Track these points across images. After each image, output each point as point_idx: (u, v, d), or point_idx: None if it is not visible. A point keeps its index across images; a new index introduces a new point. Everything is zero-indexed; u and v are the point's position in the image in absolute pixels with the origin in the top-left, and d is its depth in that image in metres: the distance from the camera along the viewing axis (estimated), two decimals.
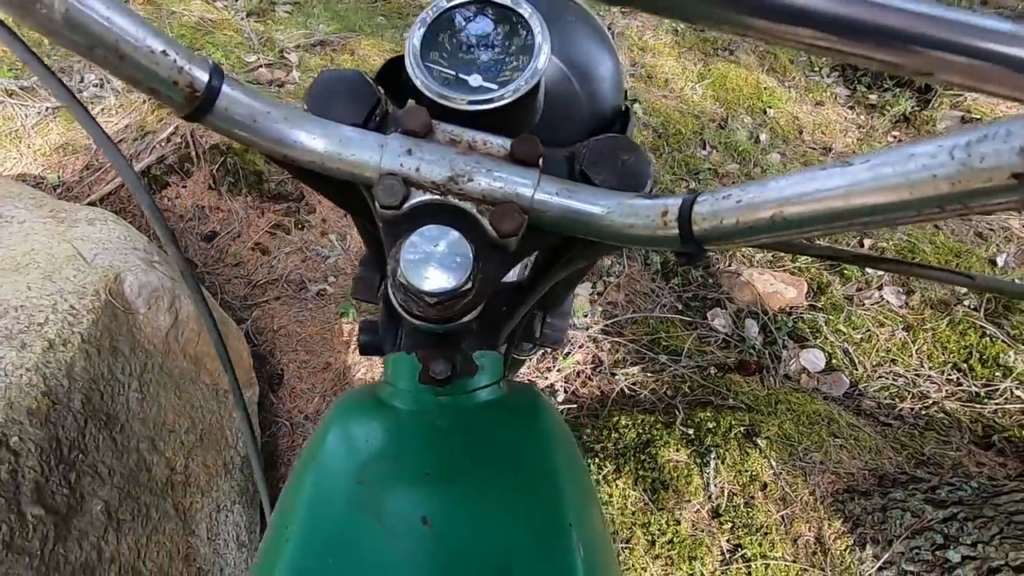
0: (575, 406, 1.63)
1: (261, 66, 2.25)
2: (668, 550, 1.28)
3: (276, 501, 0.37)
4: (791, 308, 1.92)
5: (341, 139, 0.37)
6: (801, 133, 2.68)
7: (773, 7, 0.18)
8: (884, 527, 1.25)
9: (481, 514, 0.33)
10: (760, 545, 1.27)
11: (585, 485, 0.39)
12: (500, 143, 0.38)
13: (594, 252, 0.44)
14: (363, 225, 0.44)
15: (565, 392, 1.67)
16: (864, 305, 1.93)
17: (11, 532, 0.78)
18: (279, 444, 1.54)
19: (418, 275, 0.34)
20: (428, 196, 0.37)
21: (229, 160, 1.88)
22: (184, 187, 1.86)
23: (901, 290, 1.98)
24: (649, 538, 1.30)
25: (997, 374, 1.72)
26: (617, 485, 1.37)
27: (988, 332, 1.80)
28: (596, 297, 1.90)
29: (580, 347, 1.76)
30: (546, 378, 1.69)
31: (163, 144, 1.84)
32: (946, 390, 1.72)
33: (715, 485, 1.36)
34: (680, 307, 1.91)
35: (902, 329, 1.85)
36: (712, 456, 1.39)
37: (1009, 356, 1.74)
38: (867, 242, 2.15)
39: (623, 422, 1.49)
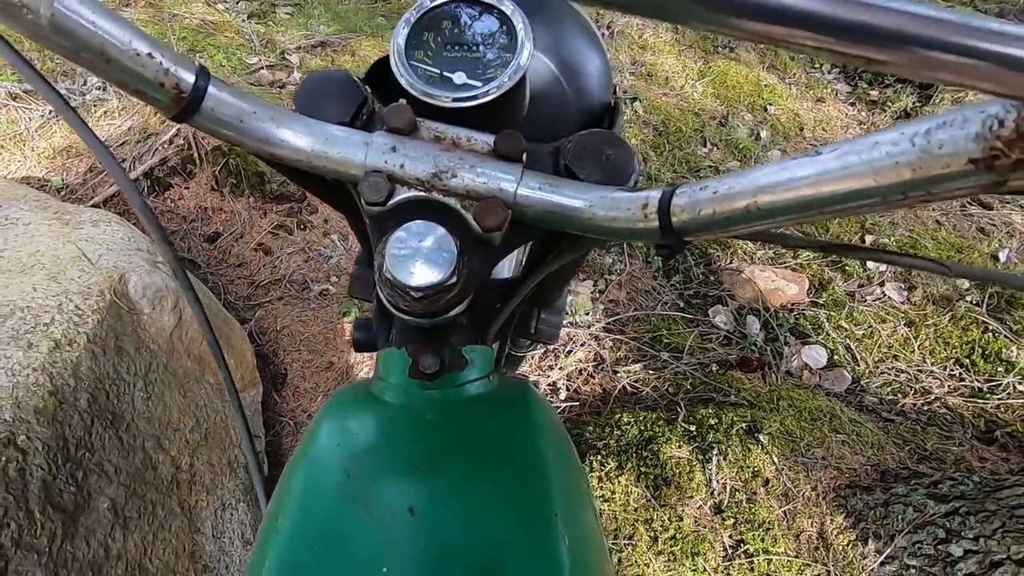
0: (577, 404, 1.64)
1: (263, 68, 2.26)
2: (671, 546, 1.29)
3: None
4: (792, 305, 1.92)
5: (327, 138, 0.38)
6: (802, 130, 2.68)
7: (754, 6, 0.18)
8: (886, 522, 1.25)
9: (467, 504, 0.34)
10: (762, 541, 1.28)
11: (574, 476, 0.40)
12: (484, 139, 0.39)
13: (581, 245, 0.44)
14: (356, 224, 0.45)
15: (567, 390, 1.68)
16: (866, 301, 1.93)
17: (20, 529, 0.79)
18: (283, 443, 1.55)
19: (403, 270, 0.35)
20: (413, 192, 0.38)
21: (231, 161, 1.89)
22: (187, 188, 1.87)
23: (903, 286, 1.98)
24: (652, 534, 1.30)
25: (1000, 369, 1.72)
26: (619, 482, 1.37)
27: (991, 327, 1.80)
28: (598, 295, 1.90)
29: (582, 345, 1.77)
30: (548, 376, 1.70)
31: (165, 146, 1.85)
32: (948, 386, 1.72)
33: (717, 481, 1.36)
34: (682, 304, 1.92)
35: (904, 325, 1.85)
36: (714, 452, 1.39)
37: (1012, 351, 1.74)
38: (868, 238, 2.15)
39: (625, 419, 1.50)
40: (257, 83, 2.18)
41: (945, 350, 1.80)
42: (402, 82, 0.39)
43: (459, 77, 0.39)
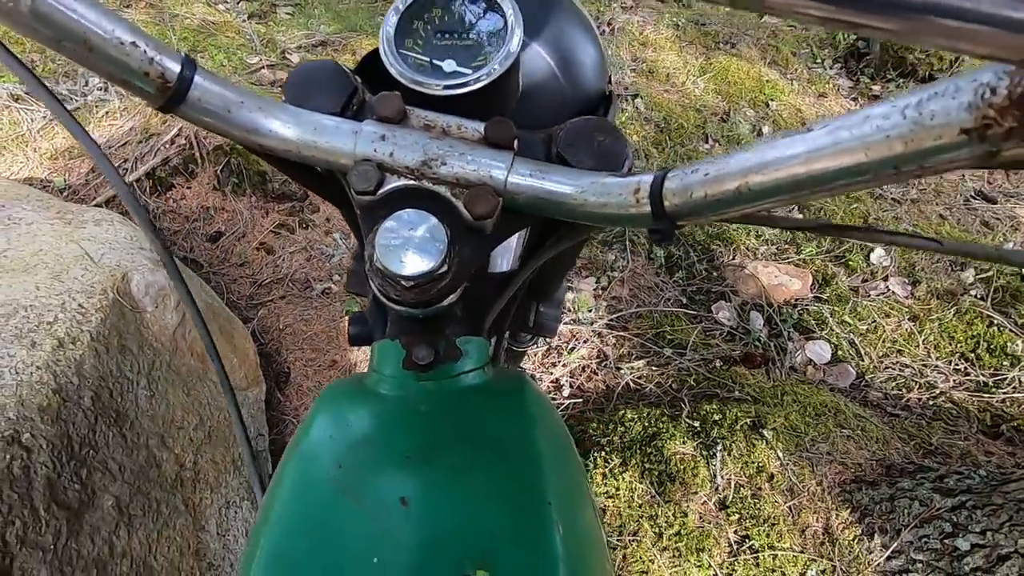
0: (581, 400, 1.63)
1: (263, 67, 2.27)
2: (675, 542, 1.28)
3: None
4: (796, 300, 1.91)
5: (316, 127, 0.37)
6: (804, 125, 2.67)
7: None
8: (892, 517, 1.25)
9: (460, 495, 0.34)
10: (768, 536, 1.27)
11: (570, 468, 0.40)
12: (474, 127, 0.38)
13: (577, 233, 0.44)
14: (350, 216, 0.45)
15: (571, 387, 1.67)
16: (870, 296, 1.92)
17: (25, 527, 0.79)
18: (286, 441, 1.55)
19: (393, 259, 0.34)
20: (403, 181, 0.37)
21: (233, 161, 1.89)
22: (189, 188, 1.87)
23: (907, 280, 1.97)
24: (656, 530, 1.30)
25: (1005, 363, 1.72)
26: (623, 478, 1.37)
27: (995, 321, 1.79)
28: (600, 292, 1.90)
29: (585, 342, 1.76)
30: (551, 373, 1.70)
31: (167, 146, 1.85)
32: (953, 380, 1.71)
33: (722, 477, 1.36)
34: (684, 301, 1.91)
35: (908, 319, 1.85)
36: (718, 448, 1.39)
37: (1017, 345, 1.73)
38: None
39: (629, 416, 1.49)
40: (258, 83, 2.18)
41: (950, 344, 1.79)
42: (392, 71, 0.38)
43: (449, 65, 0.39)
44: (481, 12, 0.40)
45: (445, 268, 0.35)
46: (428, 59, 0.39)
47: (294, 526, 0.33)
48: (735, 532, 1.30)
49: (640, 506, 1.34)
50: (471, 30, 0.40)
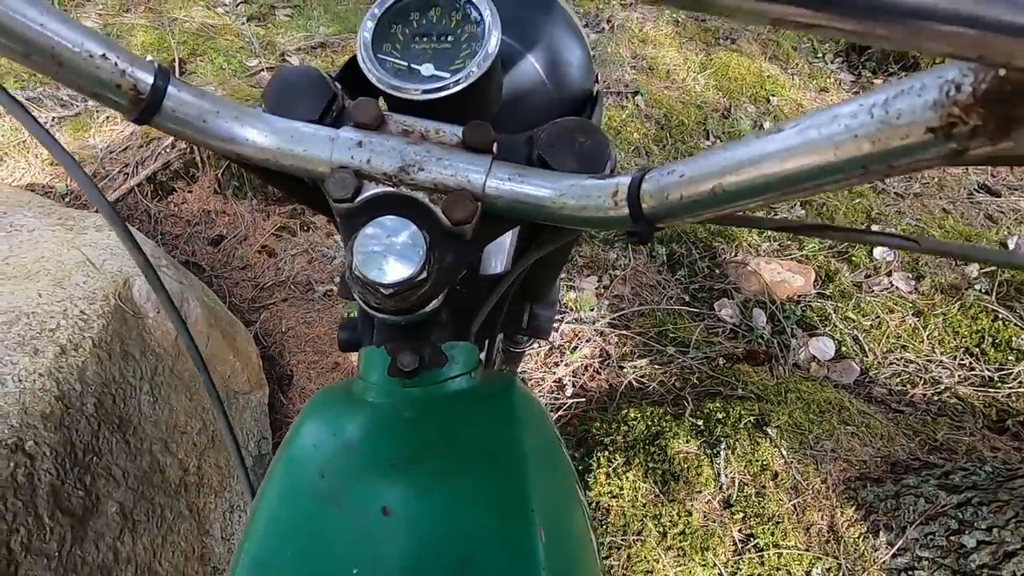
0: (584, 400, 1.63)
1: (263, 70, 2.27)
2: (680, 541, 1.28)
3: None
4: (799, 297, 1.90)
5: (293, 135, 0.37)
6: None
7: None
8: (897, 513, 1.24)
9: (442, 500, 0.34)
10: (772, 534, 1.27)
11: (557, 471, 0.39)
12: (452, 131, 0.38)
13: (562, 235, 0.43)
14: (337, 225, 0.45)
15: (573, 386, 1.67)
16: (873, 292, 1.91)
17: (29, 534, 0.79)
18: None
19: (372, 267, 0.34)
20: (381, 188, 0.37)
21: (233, 165, 1.89)
22: (190, 192, 1.87)
23: (910, 275, 1.96)
24: (661, 530, 1.30)
25: (1010, 358, 1.71)
26: (627, 478, 1.37)
27: (1000, 316, 1.78)
28: (602, 291, 1.89)
29: (587, 341, 1.76)
30: (554, 372, 1.69)
31: (168, 150, 1.86)
32: (958, 375, 1.70)
33: (726, 475, 1.35)
34: (687, 299, 1.91)
35: (912, 315, 1.84)
36: (722, 447, 1.39)
37: (1022, 339, 1.72)
38: (874, 228, 2.13)
39: (632, 415, 1.49)
40: (258, 85, 2.18)
41: (954, 339, 1.78)
42: (370, 77, 0.38)
43: (427, 69, 0.39)
44: (458, 14, 0.39)
45: (424, 275, 0.35)
46: (406, 63, 0.39)
47: (278, 534, 0.33)
48: (740, 531, 1.29)
49: (644, 505, 1.34)
50: (449, 33, 0.39)
